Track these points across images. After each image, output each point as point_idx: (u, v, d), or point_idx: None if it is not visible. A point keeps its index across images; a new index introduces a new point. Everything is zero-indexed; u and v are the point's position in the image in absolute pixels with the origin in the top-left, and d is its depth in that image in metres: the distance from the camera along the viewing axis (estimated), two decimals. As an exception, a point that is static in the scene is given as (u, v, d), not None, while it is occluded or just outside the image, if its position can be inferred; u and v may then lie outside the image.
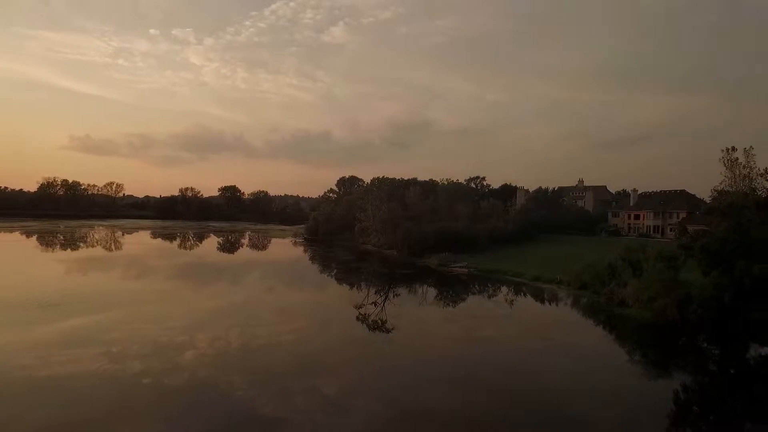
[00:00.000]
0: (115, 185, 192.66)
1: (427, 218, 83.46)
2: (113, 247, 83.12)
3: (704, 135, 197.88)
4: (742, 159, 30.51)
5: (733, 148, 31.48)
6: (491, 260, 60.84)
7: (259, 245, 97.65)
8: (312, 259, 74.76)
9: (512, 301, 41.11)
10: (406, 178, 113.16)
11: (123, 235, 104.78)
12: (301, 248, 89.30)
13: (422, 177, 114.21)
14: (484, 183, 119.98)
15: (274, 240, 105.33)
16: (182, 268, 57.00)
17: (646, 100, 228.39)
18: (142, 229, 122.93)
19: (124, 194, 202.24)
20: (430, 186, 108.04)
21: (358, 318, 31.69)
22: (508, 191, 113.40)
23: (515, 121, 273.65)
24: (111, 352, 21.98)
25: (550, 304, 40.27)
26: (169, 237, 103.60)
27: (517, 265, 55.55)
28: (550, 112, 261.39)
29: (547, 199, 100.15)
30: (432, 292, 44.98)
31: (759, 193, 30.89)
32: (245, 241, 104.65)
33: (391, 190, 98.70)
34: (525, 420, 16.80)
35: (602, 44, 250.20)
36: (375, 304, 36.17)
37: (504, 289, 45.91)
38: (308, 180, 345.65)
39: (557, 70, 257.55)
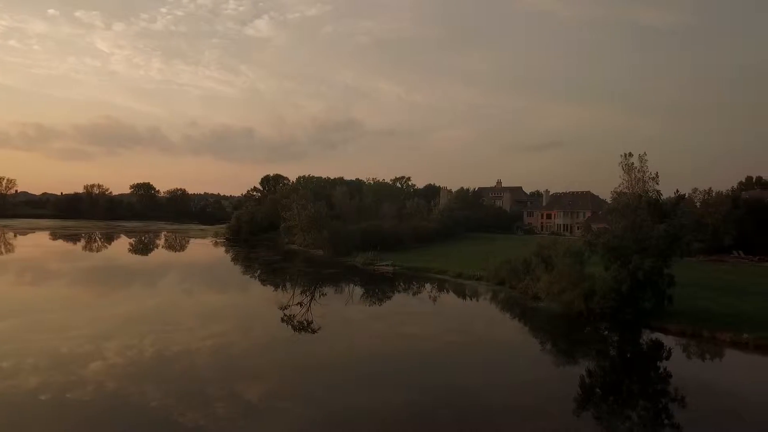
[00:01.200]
0: (5, 180, 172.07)
1: (353, 217, 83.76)
2: (2, 249, 74.57)
3: (606, 141, 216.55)
4: (637, 164, 33.84)
5: (630, 154, 34.92)
6: (416, 258, 62.29)
7: (176, 246, 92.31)
8: (234, 259, 72.04)
9: (436, 297, 42.39)
10: (332, 178, 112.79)
11: (15, 236, 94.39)
12: (223, 249, 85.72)
13: (349, 176, 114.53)
14: (410, 183, 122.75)
15: (193, 240, 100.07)
16: (88, 272, 52.46)
17: (557, 108, 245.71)
18: (40, 229, 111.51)
19: (16, 191, 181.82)
20: (356, 186, 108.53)
21: (283, 319, 31.04)
22: (432, 191, 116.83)
23: (439, 124, 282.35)
24: (0, 368, 19.72)
25: (471, 299, 42.05)
26: (72, 238, 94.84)
27: (441, 262, 57.36)
28: (470, 116, 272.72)
29: (468, 199, 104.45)
30: (358, 290, 45.16)
31: (650, 194, 34.39)
32: (160, 242, 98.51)
33: (317, 189, 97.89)
34: (449, 413, 17.38)
35: (516, 54, 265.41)
36: (300, 305, 35.64)
37: (428, 286, 47.20)
38: (230, 178, 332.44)
39: (476, 76, 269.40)
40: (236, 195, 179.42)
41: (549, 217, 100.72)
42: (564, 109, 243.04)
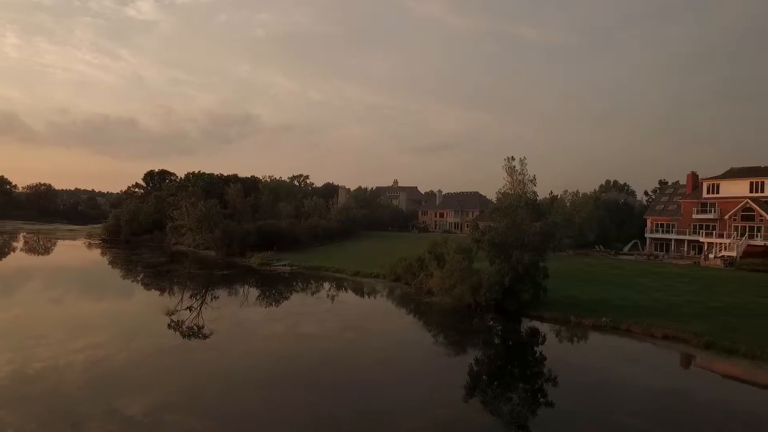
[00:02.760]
0: None
1: (248, 216, 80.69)
2: None
3: (493, 145, 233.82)
4: (518, 167, 37.00)
5: (512, 158, 38.06)
6: (314, 257, 61.85)
7: (39, 249, 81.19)
8: (113, 263, 65.36)
9: (334, 296, 42.47)
10: (226, 174, 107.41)
11: None
12: (98, 251, 77.34)
13: (244, 173, 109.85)
14: (308, 181, 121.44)
15: (61, 242, 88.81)
16: None
17: (450, 112, 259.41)
18: None
19: None
20: (252, 183, 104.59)
21: (170, 326, 28.96)
22: (330, 190, 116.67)
23: (337, 122, 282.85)
24: None
25: (369, 296, 42.84)
26: None
27: (339, 261, 57.63)
28: (368, 116, 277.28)
29: (366, 198, 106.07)
30: (254, 292, 43.65)
31: (529, 195, 37.88)
32: (18, 244, 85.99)
33: (209, 186, 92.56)
34: (348, 410, 17.56)
35: (411, 58, 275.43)
36: (190, 309, 33.54)
37: (326, 285, 47.13)
38: (108, 173, 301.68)
39: (373, 76, 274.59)
40: (116, 192, 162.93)
41: (442, 216, 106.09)
42: (457, 113, 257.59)
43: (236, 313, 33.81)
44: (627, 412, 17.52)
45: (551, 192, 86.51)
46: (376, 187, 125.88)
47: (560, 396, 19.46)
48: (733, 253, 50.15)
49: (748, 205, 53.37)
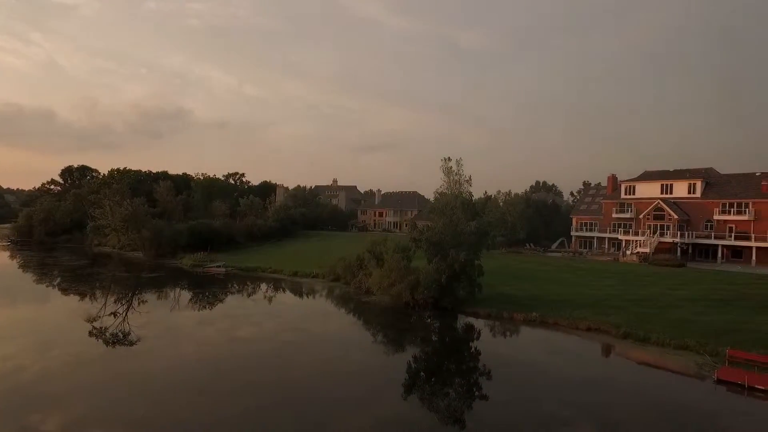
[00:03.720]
0: None
1: (180, 215, 77.06)
2: None
3: (431, 145, 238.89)
4: (455, 167, 37.98)
5: (449, 159, 39.01)
6: (251, 258, 60.14)
7: (-65, 252, 72.71)
8: (24, 266, 59.82)
9: (272, 297, 41.53)
10: (155, 171, 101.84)
11: None
12: (7, 254, 70.54)
13: (175, 171, 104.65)
14: (244, 179, 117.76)
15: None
16: None
17: (390, 112, 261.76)
18: None
19: None
20: (183, 181, 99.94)
21: (91, 333, 27.04)
22: (268, 188, 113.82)
23: (275, 119, 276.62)
24: None
25: (307, 297, 42.28)
26: None
27: (277, 261, 56.42)
28: (307, 114, 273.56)
29: (305, 197, 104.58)
30: (186, 295, 41.71)
31: (465, 195, 39.03)
32: None
33: (136, 183, 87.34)
34: (288, 412, 17.21)
35: (350, 57, 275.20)
36: (115, 315, 31.49)
37: (264, 286, 45.99)
38: (18, 168, 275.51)
39: (312, 74, 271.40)
40: (28, 189, 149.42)
41: (381, 215, 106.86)
42: (396, 113, 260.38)
43: (166, 318, 32.15)
44: (555, 402, 18.54)
45: (486, 192, 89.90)
46: (315, 186, 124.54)
47: (494, 389, 20.24)
48: (647, 250, 54.58)
49: (659, 206, 58.27)
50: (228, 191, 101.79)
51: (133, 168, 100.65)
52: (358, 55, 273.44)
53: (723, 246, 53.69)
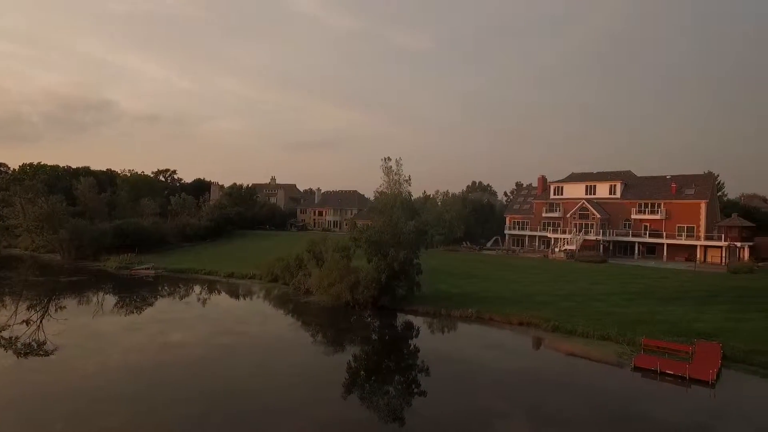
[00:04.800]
0: None
1: (104, 214, 72.17)
2: None
3: (371, 145, 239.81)
4: (394, 167, 38.37)
5: (389, 158, 39.35)
6: (184, 259, 57.50)
7: None
8: None
9: (206, 300, 39.92)
10: (75, 167, 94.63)
11: None
12: None
13: (98, 166, 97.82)
14: (176, 177, 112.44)
15: None
16: None
17: (329, 110, 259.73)
18: None
19: None
20: (108, 177, 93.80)
21: (-1, 344, 24.61)
22: (201, 186, 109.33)
23: (209, 114, 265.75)
24: None
25: (244, 298, 41.03)
26: None
27: (212, 262, 54.35)
28: (244, 109, 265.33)
29: (241, 196, 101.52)
30: (111, 299, 39.10)
31: (404, 195, 39.55)
32: None
33: (52, 180, 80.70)
34: (223, 420, 16.56)
35: (287, 53, 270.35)
36: (27, 323, 28.89)
37: (198, 288, 44.12)
38: None
39: (249, 69, 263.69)
40: None
41: (321, 214, 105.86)
42: (336, 112, 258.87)
43: (88, 325, 29.96)
44: (490, 395, 19.24)
45: (424, 192, 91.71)
46: (253, 185, 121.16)
47: (433, 385, 20.67)
48: (573, 247, 58.05)
49: (584, 206, 62.16)
50: (158, 189, 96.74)
51: (51, 163, 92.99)
52: (297, 51, 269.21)
53: (639, 243, 58.18)
